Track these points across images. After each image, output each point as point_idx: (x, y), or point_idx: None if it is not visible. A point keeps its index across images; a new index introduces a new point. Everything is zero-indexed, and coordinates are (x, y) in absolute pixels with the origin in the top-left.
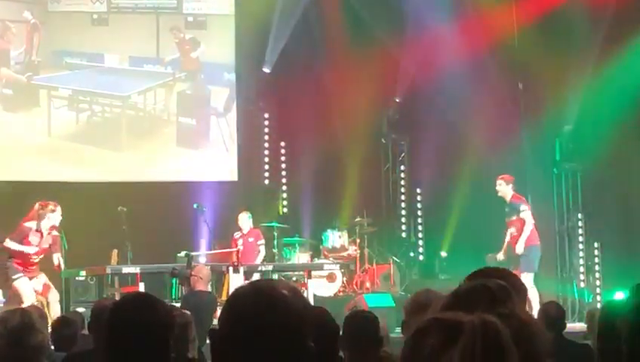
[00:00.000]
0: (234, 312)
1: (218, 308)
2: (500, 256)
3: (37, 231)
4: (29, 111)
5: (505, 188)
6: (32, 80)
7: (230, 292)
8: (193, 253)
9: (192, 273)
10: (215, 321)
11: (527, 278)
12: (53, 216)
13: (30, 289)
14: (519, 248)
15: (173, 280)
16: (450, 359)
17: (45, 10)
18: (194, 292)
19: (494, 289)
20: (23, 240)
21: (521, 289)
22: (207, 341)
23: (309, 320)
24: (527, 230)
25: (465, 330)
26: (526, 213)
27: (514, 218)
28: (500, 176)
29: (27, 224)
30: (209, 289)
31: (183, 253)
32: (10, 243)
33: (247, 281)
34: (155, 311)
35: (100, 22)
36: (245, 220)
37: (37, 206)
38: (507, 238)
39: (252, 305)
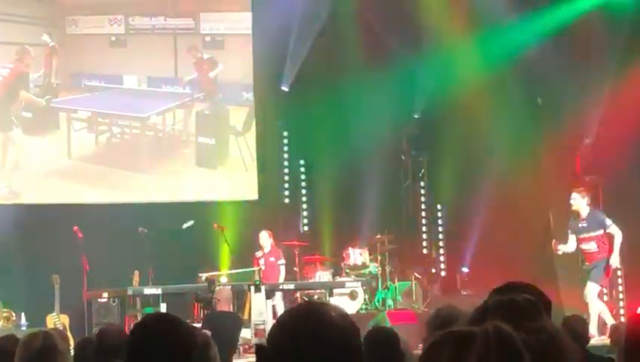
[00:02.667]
0: (286, 333)
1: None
2: (569, 247)
3: None
4: (49, 134)
5: (580, 202)
6: (52, 103)
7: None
8: (212, 274)
9: (214, 296)
10: (240, 340)
11: (594, 289)
12: None
13: None
14: (615, 261)
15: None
16: None
17: (64, 34)
18: (216, 313)
19: (522, 303)
20: None
21: (548, 304)
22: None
23: (358, 343)
24: (619, 240)
25: (478, 338)
26: (613, 227)
27: (596, 233)
28: (576, 190)
29: None
30: (231, 309)
31: (203, 276)
32: None
33: (269, 300)
34: (177, 331)
35: (118, 43)
36: (266, 239)
37: None
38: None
39: (302, 326)
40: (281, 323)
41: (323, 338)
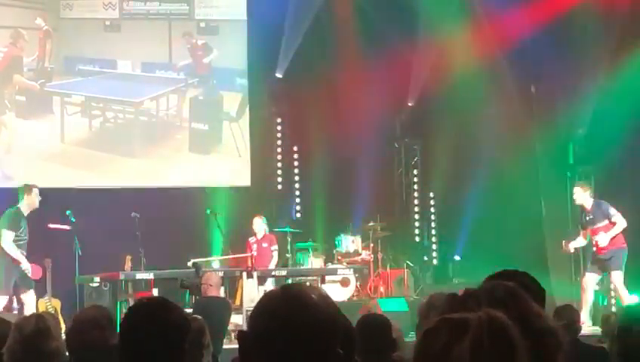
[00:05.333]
0: (265, 316)
1: (232, 314)
2: (578, 243)
3: None
4: (42, 118)
5: (583, 196)
6: (45, 87)
7: (244, 297)
8: (201, 260)
9: (202, 281)
10: (231, 326)
11: (619, 276)
12: None
13: None
14: (603, 240)
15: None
16: (460, 354)
17: (58, 17)
18: (206, 298)
19: (513, 290)
20: None
21: (539, 292)
22: (224, 347)
23: (339, 325)
24: (619, 228)
25: (472, 325)
26: (618, 216)
27: (602, 224)
28: (577, 183)
29: None
30: (222, 294)
31: (190, 263)
32: None
33: (262, 286)
34: (171, 315)
35: (113, 28)
36: (260, 224)
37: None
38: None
39: (284, 309)
40: (259, 307)
41: (301, 320)
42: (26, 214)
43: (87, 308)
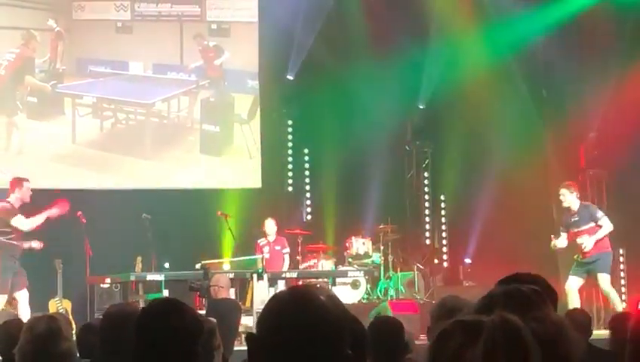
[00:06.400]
0: (272, 317)
1: (243, 315)
2: (561, 243)
3: None
4: (54, 119)
5: (570, 197)
6: (57, 88)
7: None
8: (212, 261)
9: (211, 283)
10: (241, 328)
11: (606, 279)
12: None
13: None
14: (588, 243)
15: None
16: (473, 356)
17: (70, 19)
18: (218, 300)
19: (528, 293)
20: None
21: (553, 295)
22: (234, 348)
23: (347, 327)
24: (604, 232)
25: (485, 328)
26: (604, 219)
27: (588, 226)
28: (563, 185)
29: None
30: (232, 296)
31: (198, 265)
32: None
33: (272, 288)
34: (184, 316)
35: (124, 30)
36: (272, 226)
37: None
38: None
39: (291, 309)
40: (268, 308)
41: (309, 321)
42: (17, 207)
43: (121, 304)
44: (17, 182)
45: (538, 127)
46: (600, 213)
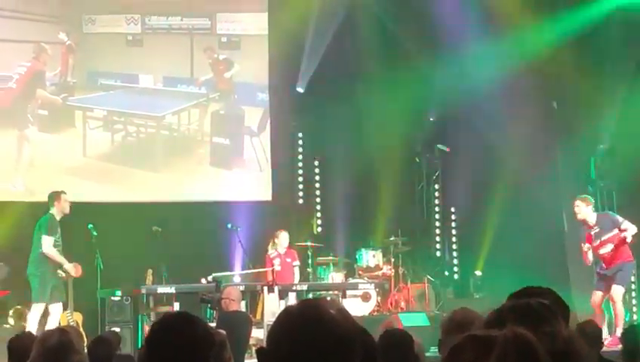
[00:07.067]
0: (282, 330)
1: (253, 328)
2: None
3: None
4: (65, 132)
5: (585, 210)
6: (68, 101)
7: (265, 312)
8: (221, 274)
9: (222, 296)
10: (252, 340)
11: (619, 291)
12: None
13: None
14: (630, 232)
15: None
16: None
17: (80, 32)
18: (228, 313)
19: (538, 307)
20: None
21: (564, 309)
22: (245, 361)
23: (357, 340)
24: (631, 233)
25: (497, 343)
26: (626, 222)
27: (612, 233)
28: (578, 198)
29: None
30: (242, 308)
31: (210, 277)
32: None
33: (282, 301)
34: (196, 329)
35: (135, 43)
36: (286, 239)
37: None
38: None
39: (301, 323)
40: (278, 322)
41: (319, 335)
42: (58, 219)
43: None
44: (55, 196)
45: (548, 139)
46: (620, 218)
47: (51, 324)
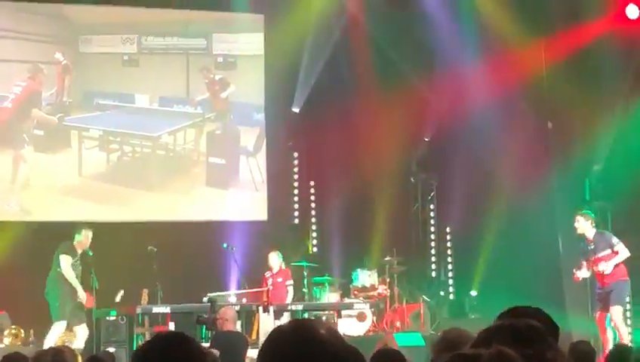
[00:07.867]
0: (273, 349)
1: (249, 348)
2: (584, 273)
3: None
4: (60, 152)
5: (584, 225)
6: (64, 121)
7: (260, 332)
8: (216, 294)
9: (218, 316)
10: (247, 361)
11: (618, 312)
12: None
13: None
14: (607, 268)
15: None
16: None
17: (76, 52)
18: (223, 333)
19: (522, 329)
20: None
21: (554, 328)
22: None
23: (349, 359)
24: (622, 257)
25: (484, 361)
26: (620, 245)
27: (604, 253)
28: (579, 214)
29: None
30: (238, 329)
31: (205, 299)
32: None
33: (278, 321)
34: (188, 348)
35: (131, 63)
36: (275, 260)
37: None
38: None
39: (291, 343)
40: (269, 341)
41: (310, 355)
42: (78, 251)
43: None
44: (77, 229)
45: (543, 159)
46: (615, 240)
47: (77, 345)
